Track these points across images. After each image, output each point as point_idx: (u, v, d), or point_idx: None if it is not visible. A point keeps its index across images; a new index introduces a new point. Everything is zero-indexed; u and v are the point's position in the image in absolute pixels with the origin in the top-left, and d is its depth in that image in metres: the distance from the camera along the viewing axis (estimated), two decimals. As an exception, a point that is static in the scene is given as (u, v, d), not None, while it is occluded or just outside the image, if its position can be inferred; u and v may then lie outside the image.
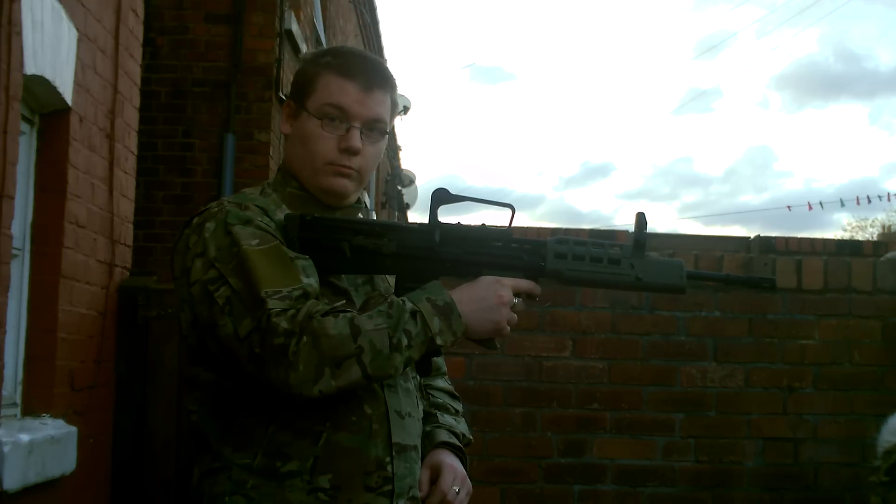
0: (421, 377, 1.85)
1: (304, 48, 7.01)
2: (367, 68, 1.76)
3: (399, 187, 15.43)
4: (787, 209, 24.55)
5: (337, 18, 9.98)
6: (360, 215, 1.85)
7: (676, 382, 3.97)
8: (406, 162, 22.08)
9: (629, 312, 3.98)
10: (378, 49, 13.65)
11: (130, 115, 4.41)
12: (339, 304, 1.59)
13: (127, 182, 4.37)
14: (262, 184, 1.82)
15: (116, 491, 4.16)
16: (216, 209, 1.67)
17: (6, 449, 3.03)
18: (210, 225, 1.63)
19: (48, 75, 3.44)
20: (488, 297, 1.63)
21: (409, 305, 1.57)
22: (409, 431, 1.74)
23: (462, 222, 1.72)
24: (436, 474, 1.80)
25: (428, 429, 1.85)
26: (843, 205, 23.34)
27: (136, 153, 4.52)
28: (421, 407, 1.84)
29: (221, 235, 1.61)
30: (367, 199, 12.19)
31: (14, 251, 3.30)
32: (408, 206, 15.72)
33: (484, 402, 3.90)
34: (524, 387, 3.93)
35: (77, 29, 3.71)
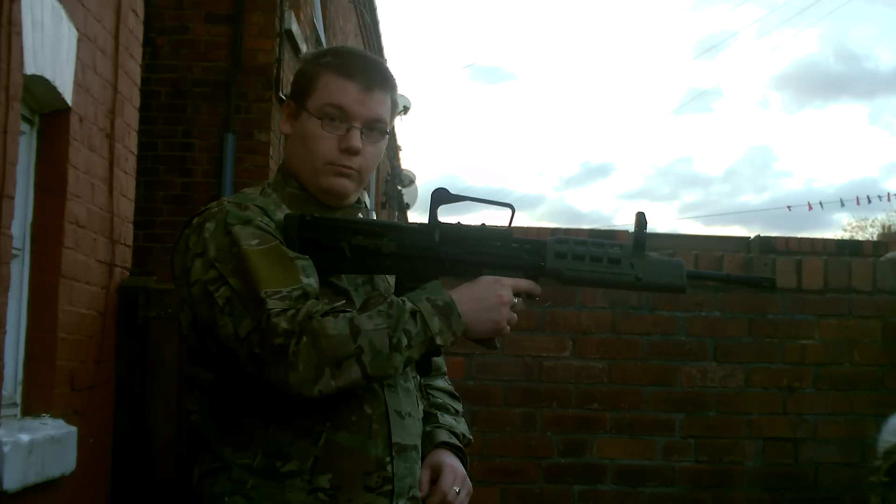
0: (421, 377, 1.85)
1: (304, 48, 7.01)
2: (368, 68, 1.76)
3: (399, 187, 15.43)
4: (787, 209, 24.57)
5: (337, 18, 9.98)
6: (360, 215, 1.85)
7: (676, 382, 3.97)
8: (406, 162, 22.09)
9: (629, 312, 3.98)
10: (378, 49, 13.65)
11: (130, 115, 4.41)
12: (338, 304, 1.59)
13: (127, 182, 4.37)
14: (262, 184, 1.82)
15: (116, 491, 4.16)
16: (216, 209, 1.67)
17: (6, 449, 3.03)
18: (210, 225, 1.63)
19: (48, 75, 3.44)
20: (488, 297, 1.63)
21: (408, 305, 1.57)
22: (409, 431, 1.73)
23: (462, 222, 1.72)
24: (436, 474, 1.80)
25: (428, 429, 1.85)
26: (843, 205, 23.37)
27: (136, 153, 4.52)
28: (421, 407, 1.84)
29: (221, 235, 1.61)
30: (367, 199, 12.19)
31: (14, 251, 3.30)
32: (408, 206, 15.72)
33: (484, 402, 3.90)
34: (524, 387, 3.93)
35: (77, 29, 3.71)
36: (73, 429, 3.62)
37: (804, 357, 4.00)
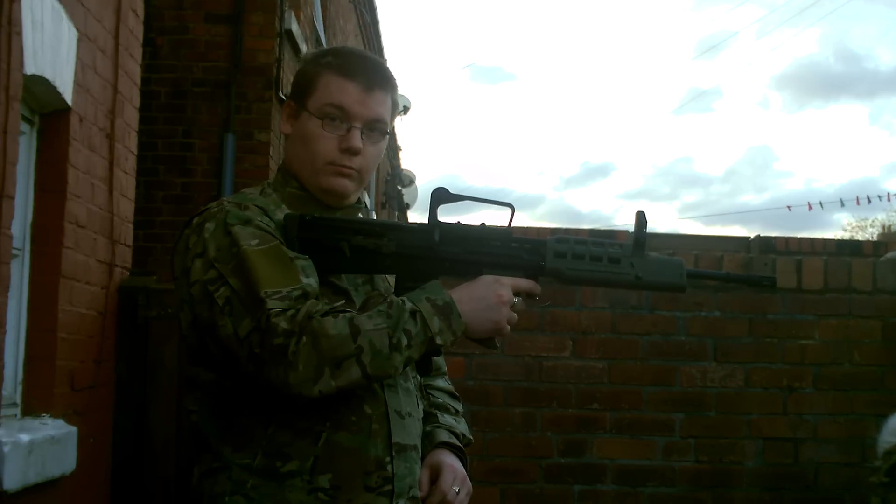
0: (421, 377, 1.85)
1: (304, 48, 7.01)
2: (368, 68, 1.76)
3: (399, 187, 15.43)
4: (787, 209, 24.54)
5: (337, 18, 9.98)
6: (360, 215, 1.85)
7: (676, 382, 3.97)
8: (406, 162, 22.09)
9: (629, 312, 3.98)
10: (378, 49, 13.65)
11: (130, 115, 4.41)
12: (338, 304, 1.59)
13: (127, 182, 4.37)
14: (262, 184, 1.82)
15: (116, 491, 4.16)
16: (216, 209, 1.67)
17: (6, 449, 3.03)
18: (210, 225, 1.64)
19: (48, 75, 3.44)
20: (488, 297, 1.63)
21: (408, 305, 1.57)
22: (409, 431, 1.73)
23: (462, 222, 1.71)
24: (436, 474, 1.80)
25: (428, 429, 1.85)
26: (843, 205, 23.42)
27: (136, 153, 4.52)
28: (421, 407, 1.84)
29: (221, 235, 1.61)
30: (367, 199, 12.19)
31: (14, 251, 3.30)
32: (408, 206, 15.72)
33: (484, 402, 3.90)
34: (524, 387, 3.93)
35: (77, 29, 3.71)
36: (73, 429, 3.62)
37: (804, 357, 4.00)
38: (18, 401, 3.52)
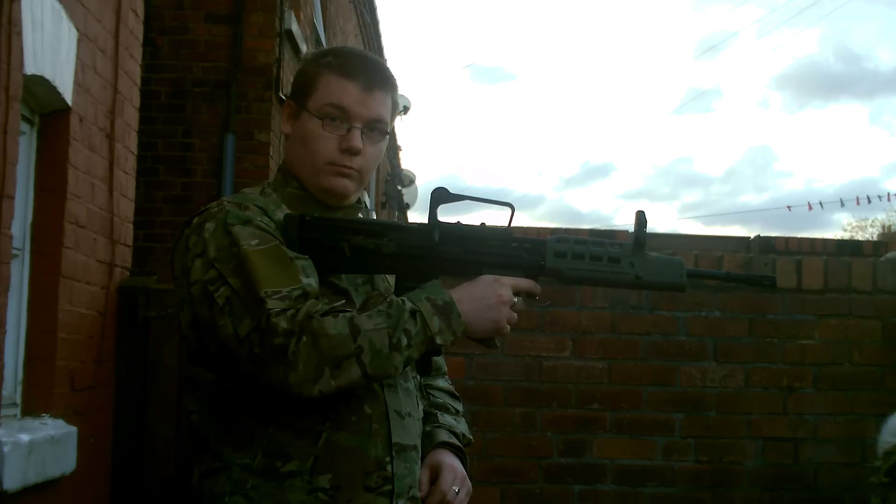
0: (421, 377, 1.85)
1: (304, 48, 7.01)
2: (368, 68, 1.76)
3: (399, 187, 15.44)
4: (787, 209, 24.54)
5: (337, 18, 9.98)
6: (360, 215, 1.85)
7: (676, 382, 3.97)
8: (406, 162, 22.09)
9: (629, 312, 3.98)
10: (378, 49, 13.66)
11: (130, 115, 4.41)
12: (338, 303, 1.59)
13: (127, 182, 4.37)
14: (262, 184, 1.82)
15: (116, 491, 4.16)
16: (216, 209, 1.67)
17: (6, 449, 3.03)
18: (210, 225, 1.64)
19: (48, 75, 3.44)
20: (488, 297, 1.63)
21: (408, 305, 1.57)
22: (409, 431, 1.73)
23: (462, 222, 1.72)
24: (436, 474, 1.79)
25: (428, 429, 1.85)
26: (843, 205, 23.42)
27: (136, 153, 4.52)
28: (421, 407, 1.84)
29: (221, 235, 1.61)
30: (367, 199, 12.19)
31: (14, 251, 3.30)
32: (408, 206, 15.72)
33: (484, 402, 3.90)
34: (524, 387, 3.93)
35: (77, 29, 3.71)
36: (73, 429, 3.62)
37: (804, 357, 4.00)
38: (18, 401, 3.52)
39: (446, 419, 1.90)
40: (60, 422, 3.58)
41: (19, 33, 3.10)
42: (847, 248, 5.26)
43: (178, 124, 6.41)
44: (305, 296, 1.56)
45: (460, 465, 1.84)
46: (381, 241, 1.69)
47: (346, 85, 1.73)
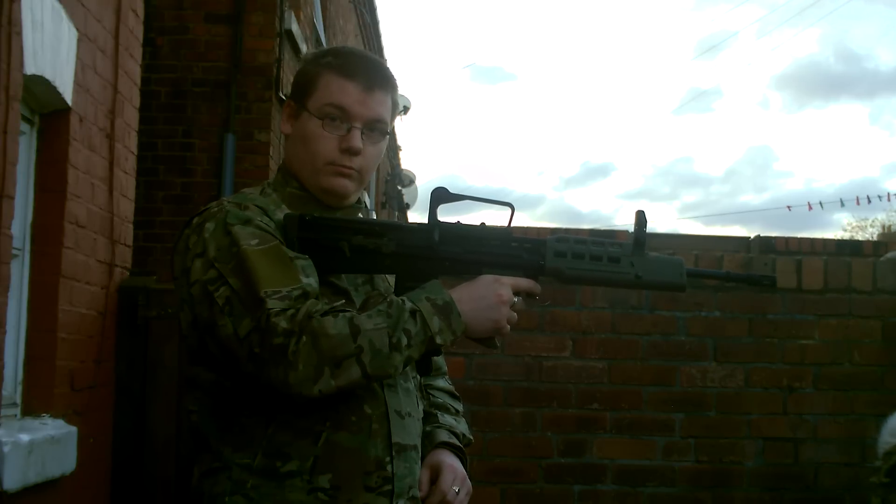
0: (421, 377, 1.85)
1: (304, 48, 7.01)
2: (368, 68, 1.76)
3: (399, 187, 15.44)
4: (787, 209, 24.54)
5: (337, 18, 9.98)
6: (360, 215, 1.85)
7: (676, 382, 3.97)
8: (406, 162, 22.09)
9: (629, 312, 3.98)
10: (378, 49, 13.66)
11: (130, 115, 4.41)
12: (338, 303, 1.59)
13: (127, 182, 4.37)
14: (262, 184, 1.82)
15: (116, 491, 4.16)
16: (216, 209, 1.67)
17: (6, 449, 3.03)
18: (210, 225, 1.64)
19: (48, 75, 3.44)
20: (488, 296, 1.63)
21: (408, 305, 1.57)
22: (409, 431, 1.73)
23: (462, 222, 1.72)
24: (436, 474, 1.79)
25: (428, 429, 1.85)
26: (843, 205, 23.42)
27: (136, 153, 4.52)
28: (421, 407, 1.84)
29: (221, 235, 1.61)
30: (367, 199, 12.19)
31: (14, 251, 3.30)
32: (408, 206, 15.73)
33: (484, 402, 3.90)
34: (524, 387, 3.93)
35: (77, 29, 3.71)
36: (73, 429, 3.62)
37: (804, 357, 4.00)
38: (18, 401, 3.52)
39: (446, 419, 1.90)
40: (60, 422, 3.58)
41: (19, 33, 3.10)
42: (847, 248, 5.26)
43: (178, 124, 6.42)
44: (305, 296, 1.56)
45: (460, 465, 1.84)
46: (380, 241, 1.69)
47: (346, 85, 1.73)
